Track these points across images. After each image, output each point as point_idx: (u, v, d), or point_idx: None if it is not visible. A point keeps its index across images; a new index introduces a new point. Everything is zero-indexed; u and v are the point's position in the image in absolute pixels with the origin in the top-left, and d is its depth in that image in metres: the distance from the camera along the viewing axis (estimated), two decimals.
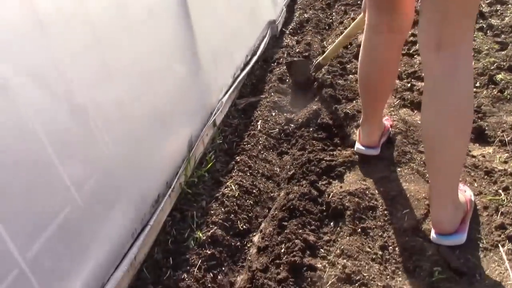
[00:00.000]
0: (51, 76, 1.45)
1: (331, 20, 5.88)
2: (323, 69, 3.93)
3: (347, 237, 2.09)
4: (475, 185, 2.37)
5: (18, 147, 1.29)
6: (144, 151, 1.99)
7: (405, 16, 2.11)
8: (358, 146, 2.65)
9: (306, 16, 5.96)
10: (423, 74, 3.55)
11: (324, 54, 3.66)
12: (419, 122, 2.97)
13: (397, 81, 3.51)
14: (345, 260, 1.95)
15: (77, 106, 1.56)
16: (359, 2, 6.31)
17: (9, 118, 1.27)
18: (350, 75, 3.86)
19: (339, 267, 1.92)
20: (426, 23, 1.77)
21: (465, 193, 2.18)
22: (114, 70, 1.81)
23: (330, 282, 1.86)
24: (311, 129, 3.04)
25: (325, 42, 5.09)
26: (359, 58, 2.35)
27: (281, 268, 1.93)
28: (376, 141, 2.60)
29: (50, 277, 1.36)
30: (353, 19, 5.50)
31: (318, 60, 3.69)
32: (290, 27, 5.52)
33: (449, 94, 1.76)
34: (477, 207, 2.21)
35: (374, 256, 2.00)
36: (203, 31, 2.86)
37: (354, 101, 3.37)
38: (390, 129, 2.82)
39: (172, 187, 2.22)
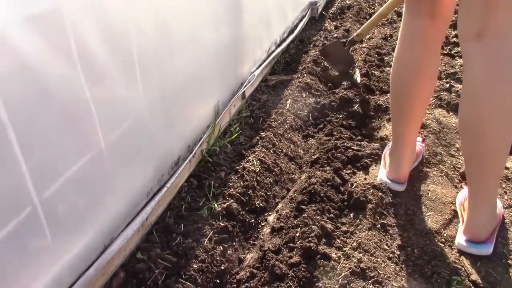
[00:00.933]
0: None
1: (373, 10, 5.69)
2: (359, 57, 3.80)
3: (366, 231, 2.00)
4: (506, 197, 2.26)
5: (57, 85, 1.22)
6: (173, 110, 1.92)
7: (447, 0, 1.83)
8: (382, 176, 2.29)
9: (348, 2, 5.79)
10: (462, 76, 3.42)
11: (358, 31, 3.55)
12: (454, 124, 2.85)
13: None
14: (361, 254, 1.87)
15: (124, 51, 1.50)
16: None
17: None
18: (387, 68, 3.73)
19: (354, 260, 1.84)
20: (465, 10, 1.60)
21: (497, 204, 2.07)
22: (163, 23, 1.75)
23: (343, 274, 1.78)
24: (340, 116, 2.94)
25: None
26: (395, 54, 2.03)
27: (294, 252, 1.85)
28: (406, 176, 2.24)
29: (61, 221, 1.31)
30: (397, 12, 5.33)
31: (352, 37, 3.58)
32: (330, 11, 5.37)
33: (490, 88, 1.62)
34: (505, 220, 2.11)
35: (391, 255, 1.92)
36: (250, 2, 2.76)
37: (388, 94, 3.24)
38: (422, 151, 2.50)
39: (193, 152, 2.16)
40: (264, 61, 3.27)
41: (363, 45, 4.25)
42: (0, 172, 1.08)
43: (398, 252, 1.94)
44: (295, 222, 2.01)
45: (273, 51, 3.49)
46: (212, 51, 2.30)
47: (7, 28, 1.05)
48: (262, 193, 2.26)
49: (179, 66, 1.93)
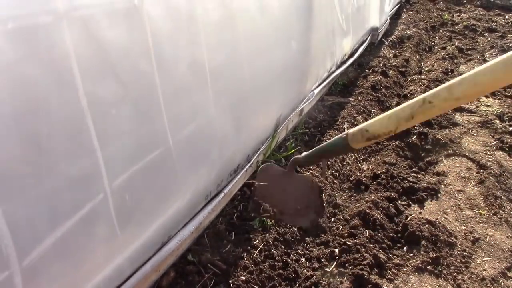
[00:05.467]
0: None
1: (433, 43, 5.62)
2: (419, 88, 3.73)
3: (418, 268, 1.94)
4: None
5: (134, 79, 1.23)
6: (241, 118, 1.92)
7: None
8: None
9: (408, 32, 5.74)
10: None
11: (304, 154, 1.95)
12: None
13: (498, 122, 3.27)
14: None
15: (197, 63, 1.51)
16: (466, 32, 6.00)
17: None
18: None
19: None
20: None
21: None
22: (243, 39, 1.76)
23: None
24: (397, 143, 2.88)
25: (422, 64, 4.85)
26: None
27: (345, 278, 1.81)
28: None
29: (128, 211, 1.31)
30: (458, 48, 5.22)
31: (298, 156, 2.03)
32: (390, 39, 5.33)
33: None
34: None
35: None
36: (319, 20, 2.76)
37: (447, 129, 3.16)
38: None
39: (251, 162, 2.14)
40: (324, 80, 3.25)
41: (423, 77, 4.18)
42: (77, 157, 1.09)
43: None
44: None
45: (333, 72, 3.47)
46: (281, 65, 2.30)
47: (91, 18, 1.07)
48: None
49: (249, 76, 1.93)
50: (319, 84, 3.15)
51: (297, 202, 2.05)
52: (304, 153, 1.87)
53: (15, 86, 0.91)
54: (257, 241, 1.92)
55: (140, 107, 1.31)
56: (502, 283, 1.93)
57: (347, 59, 3.88)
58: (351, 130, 1.62)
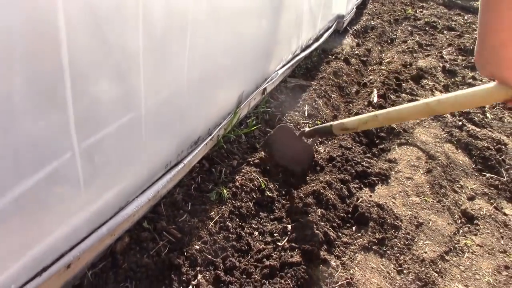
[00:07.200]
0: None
1: (395, 36, 5.76)
2: (378, 78, 3.84)
3: (365, 247, 2.04)
4: (502, 242, 2.31)
5: (115, 36, 1.21)
6: (206, 90, 1.93)
7: None
8: None
9: (372, 23, 5.85)
10: (475, 118, 3.47)
11: (335, 123, 2.19)
12: (461, 162, 2.90)
13: (449, 116, 3.43)
14: (357, 268, 1.90)
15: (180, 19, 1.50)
16: (427, 28, 6.19)
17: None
18: (403, 94, 3.77)
19: (351, 271, 1.87)
20: None
21: None
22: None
23: (339, 283, 1.81)
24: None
25: (383, 55, 4.98)
26: None
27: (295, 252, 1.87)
28: None
29: (94, 173, 1.30)
30: (418, 43, 5.38)
31: (306, 129, 2.44)
32: (354, 28, 5.42)
33: None
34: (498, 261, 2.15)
35: (387, 275, 1.95)
36: (289, 3, 2.78)
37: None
38: None
39: (212, 135, 2.16)
40: (289, 62, 3.29)
41: (383, 67, 4.30)
42: (49, 112, 1.07)
43: (392, 274, 1.97)
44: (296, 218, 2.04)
45: (297, 54, 3.51)
46: (249, 42, 2.31)
47: None
48: (272, 186, 2.27)
49: (221, 48, 1.94)
50: (283, 66, 3.18)
51: (295, 155, 2.49)
52: (307, 129, 2.43)
53: None
54: (213, 212, 1.96)
55: (120, 68, 1.29)
56: (440, 265, 2.06)
57: (312, 43, 3.93)
58: (334, 122, 2.18)
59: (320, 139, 2.84)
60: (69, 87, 1.10)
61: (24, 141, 1.02)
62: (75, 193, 1.24)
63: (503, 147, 3.09)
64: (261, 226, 2.06)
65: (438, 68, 4.61)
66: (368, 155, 2.81)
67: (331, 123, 2.19)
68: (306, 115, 3.02)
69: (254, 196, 2.17)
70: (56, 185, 1.15)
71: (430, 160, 2.80)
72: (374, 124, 2.01)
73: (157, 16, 1.37)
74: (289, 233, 2.00)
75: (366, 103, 3.36)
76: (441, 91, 4.06)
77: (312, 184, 2.34)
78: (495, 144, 3.11)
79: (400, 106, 1.85)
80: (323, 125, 2.28)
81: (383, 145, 2.95)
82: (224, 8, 1.86)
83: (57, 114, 1.09)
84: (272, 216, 2.13)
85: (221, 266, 1.76)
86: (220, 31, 1.90)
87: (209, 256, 1.78)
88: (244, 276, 1.74)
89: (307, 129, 2.42)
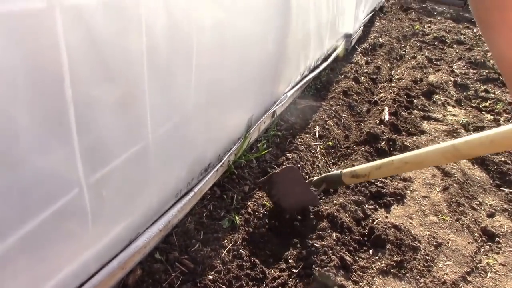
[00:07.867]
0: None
1: (404, 52, 5.74)
2: (389, 96, 3.81)
3: (383, 270, 1.98)
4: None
5: (120, 70, 1.21)
6: (215, 116, 1.92)
7: None
8: None
9: (380, 40, 5.85)
10: None
11: (345, 170, 2.10)
12: (478, 178, 2.84)
13: (463, 131, 3.37)
14: None
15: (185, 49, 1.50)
16: (436, 43, 6.16)
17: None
18: (415, 110, 3.73)
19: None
20: None
21: None
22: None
23: None
24: (366, 148, 2.93)
25: (393, 71, 4.96)
26: None
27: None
28: None
29: (103, 207, 1.29)
30: (428, 58, 5.36)
31: (314, 178, 2.28)
32: (363, 46, 5.42)
33: None
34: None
35: None
36: (296, 23, 2.79)
37: (415, 137, 3.25)
38: None
39: (222, 161, 2.14)
40: (297, 83, 3.28)
41: (393, 84, 4.27)
42: (54, 147, 1.06)
43: None
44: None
45: (306, 75, 3.51)
46: (257, 65, 2.31)
47: (84, 8, 1.04)
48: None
49: (228, 72, 1.94)
50: (292, 87, 3.18)
51: (298, 202, 2.20)
52: (315, 177, 2.25)
53: None
54: (226, 240, 1.93)
55: (126, 100, 1.28)
56: (462, 287, 2.00)
57: (321, 64, 3.93)
58: (344, 170, 2.08)
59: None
60: (74, 121, 1.09)
61: (31, 179, 1.01)
62: (83, 229, 1.23)
63: None
64: (276, 253, 2.02)
65: (450, 82, 4.57)
66: None
67: (341, 170, 2.08)
68: (317, 136, 2.98)
69: (267, 221, 2.13)
70: (64, 222, 1.14)
71: (446, 177, 2.74)
72: (389, 170, 1.87)
73: (161, 42, 1.37)
74: (304, 259, 1.96)
75: (377, 121, 3.33)
76: (453, 106, 4.01)
77: (326, 207, 2.30)
78: None
79: (422, 150, 1.71)
80: (333, 172, 2.14)
81: None
82: (230, 34, 1.87)
83: (63, 150, 1.08)
84: (286, 242, 2.09)
85: None
86: (227, 56, 1.89)
87: (223, 286, 1.74)
88: None
89: (315, 177, 2.25)
